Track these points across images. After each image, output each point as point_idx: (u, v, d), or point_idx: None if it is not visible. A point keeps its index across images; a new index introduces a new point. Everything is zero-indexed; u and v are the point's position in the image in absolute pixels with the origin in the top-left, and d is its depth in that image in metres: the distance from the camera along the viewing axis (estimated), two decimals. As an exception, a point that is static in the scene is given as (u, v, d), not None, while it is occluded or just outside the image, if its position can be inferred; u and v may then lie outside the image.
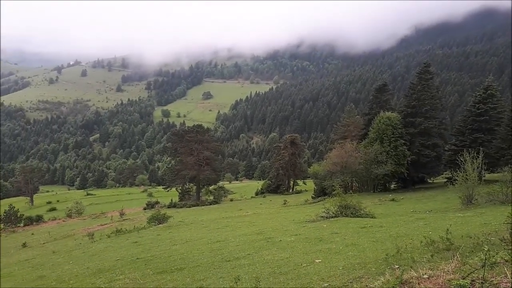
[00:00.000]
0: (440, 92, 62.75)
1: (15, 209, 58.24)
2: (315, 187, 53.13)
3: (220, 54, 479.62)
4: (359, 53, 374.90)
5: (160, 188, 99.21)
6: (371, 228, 14.25)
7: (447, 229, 9.31)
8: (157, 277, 10.73)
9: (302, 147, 79.81)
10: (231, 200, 63.03)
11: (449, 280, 5.65)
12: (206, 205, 56.16)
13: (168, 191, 70.81)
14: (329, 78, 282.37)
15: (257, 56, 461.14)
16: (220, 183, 79.77)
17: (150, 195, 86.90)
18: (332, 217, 19.43)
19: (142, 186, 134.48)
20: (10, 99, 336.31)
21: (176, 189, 67.67)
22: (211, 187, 73.06)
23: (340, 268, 8.67)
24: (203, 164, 62.20)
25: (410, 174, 42.80)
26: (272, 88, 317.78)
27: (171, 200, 60.63)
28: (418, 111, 43.97)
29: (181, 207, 54.35)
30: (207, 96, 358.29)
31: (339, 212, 19.68)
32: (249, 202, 54.80)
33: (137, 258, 14.65)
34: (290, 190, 70.59)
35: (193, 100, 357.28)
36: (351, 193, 23.66)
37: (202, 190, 69.54)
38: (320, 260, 9.76)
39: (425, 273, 6.20)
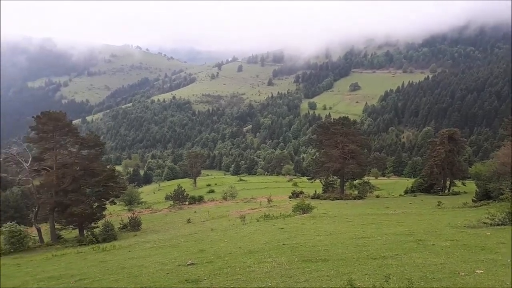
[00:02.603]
0: None
1: (182, 188, 67.35)
2: (477, 189, 47.02)
3: (371, 43, 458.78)
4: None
5: (305, 178, 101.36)
6: (552, 243, 11.98)
7: None
8: (301, 265, 11.10)
9: (462, 143, 71.26)
10: (377, 196, 60.50)
11: None
12: (350, 199, 55.19)
13: (312, 182, 71.89)
14: (499, 65, 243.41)
15: (412, 43, 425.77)
16: (366, 178, 77.30)
17: (295, 184, 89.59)
18: (498, 224, 16.99)
19: (288, 175, 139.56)
20: (180, 93, 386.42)
21: (320, 180, 68.15)
22: (355, 182, 71.35)
23: (508, 283, 7.57)
24: (348, 157, 61.04)
25: None
26: (427, 77, 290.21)
27: (315, 191, 61.46)
28: None
29: (324, 199, 54.66)
30: (355, 87, 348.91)
31: (507, 220, 17.09)
32: (397, 200, 51.78)
33: (283, 244, 15.37)
34: (446, 191, 64.08)
35: (340, 92, 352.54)
36: (524, 199, 20.23)
37: (346, 184, 68.50)
38: (482, 271, 8.68)
39: None
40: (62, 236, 39.80)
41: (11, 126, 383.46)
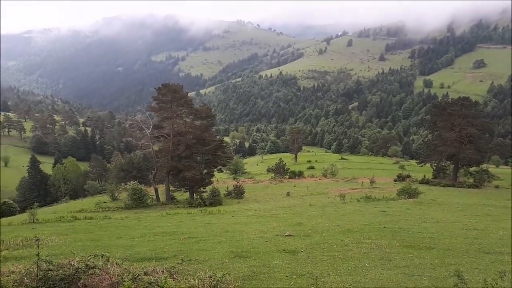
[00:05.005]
0: None
1: (283, 163, 68.77)
2: None
3: (505, 14, 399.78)
4: None
5: (413, 161, 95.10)
6: None
7: None
8: (403, 250, 10.68)
9: None
10: (496, 187, 54.25)
11: None
12: (464, 187, 50.46)
13: (421, 166, 67.23)
14: None
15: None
16: (484, 166, 69.66)
17: (401, 167, 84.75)
18: None
19: (394, 157, 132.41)
20: (287, 69, 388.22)
21: (430, 165, 63.43)
22: (471, 169, 64.87)
23: None
24: (465, 141, 55.45)
25: None
26: None
27: (424, 176, 57.46)
28: None
29: (434, 185, 50.91)
30: (479, 64, 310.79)
31: None
32: (522, 193, 45.84)
33: (384, 227, 14.88)
34: None
35: (461, 69, 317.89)
36: None
37: (461, 171, 62.64)
38: None
39: None
40: (175, 197, 44.12)
41: (137, 96, 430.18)
